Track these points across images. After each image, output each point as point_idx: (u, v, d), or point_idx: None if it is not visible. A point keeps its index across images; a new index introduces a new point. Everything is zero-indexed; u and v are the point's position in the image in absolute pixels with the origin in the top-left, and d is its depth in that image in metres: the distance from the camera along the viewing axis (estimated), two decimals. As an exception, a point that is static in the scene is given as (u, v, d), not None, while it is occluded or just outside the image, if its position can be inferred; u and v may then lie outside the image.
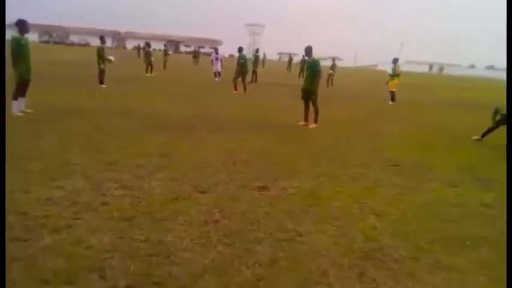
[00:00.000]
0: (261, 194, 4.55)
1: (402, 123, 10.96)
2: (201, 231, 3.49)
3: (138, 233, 3.35)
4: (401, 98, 16.64)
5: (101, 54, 14.21)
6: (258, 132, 8.18)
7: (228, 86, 16.48)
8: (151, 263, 2.90)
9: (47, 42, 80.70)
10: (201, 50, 52.55)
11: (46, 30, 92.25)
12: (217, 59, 21.89)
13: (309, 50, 9.36)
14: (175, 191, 4.41)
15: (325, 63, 14.56)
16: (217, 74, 21.52)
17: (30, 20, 8.39)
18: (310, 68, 9.31)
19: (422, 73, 77.17)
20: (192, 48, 58.46)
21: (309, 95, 9.24)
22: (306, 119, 9.37)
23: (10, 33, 8.26)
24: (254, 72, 21.31)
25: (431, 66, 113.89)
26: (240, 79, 16.20)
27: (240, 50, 17.04)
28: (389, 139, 8.39)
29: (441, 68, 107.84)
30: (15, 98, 8.07)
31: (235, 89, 15.90)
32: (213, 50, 24.07)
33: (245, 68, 16.64)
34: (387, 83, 16.79)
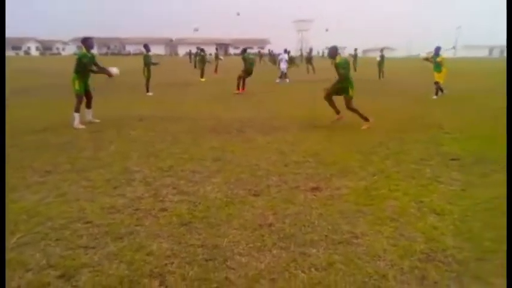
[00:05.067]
0: (314, 195, 4.51)
1: (459, 114, 10.38)
2: (255, 235, 3.53)
3: (195, 238, 3.45)
4: (457, 87, 15.69)
5: (146, 62, 14.65)
6: (308, 131, 8.12)
7: (278, 87, 16.32)
8: (209, 268, 2.98)
9: (105, 54, 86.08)
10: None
11: (104, 43, 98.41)
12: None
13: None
14: (229, 195, 4.50)
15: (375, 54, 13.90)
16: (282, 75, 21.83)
17: (89, 34, 9.00)
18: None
19: (479, 58, 72.51)
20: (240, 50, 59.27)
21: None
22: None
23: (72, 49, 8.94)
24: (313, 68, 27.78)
25: (491, 50, 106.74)
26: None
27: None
28: (445, 132, 7.98)
29: (502, 51, 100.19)
30: (77, 110, 8.50)
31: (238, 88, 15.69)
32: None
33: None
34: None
